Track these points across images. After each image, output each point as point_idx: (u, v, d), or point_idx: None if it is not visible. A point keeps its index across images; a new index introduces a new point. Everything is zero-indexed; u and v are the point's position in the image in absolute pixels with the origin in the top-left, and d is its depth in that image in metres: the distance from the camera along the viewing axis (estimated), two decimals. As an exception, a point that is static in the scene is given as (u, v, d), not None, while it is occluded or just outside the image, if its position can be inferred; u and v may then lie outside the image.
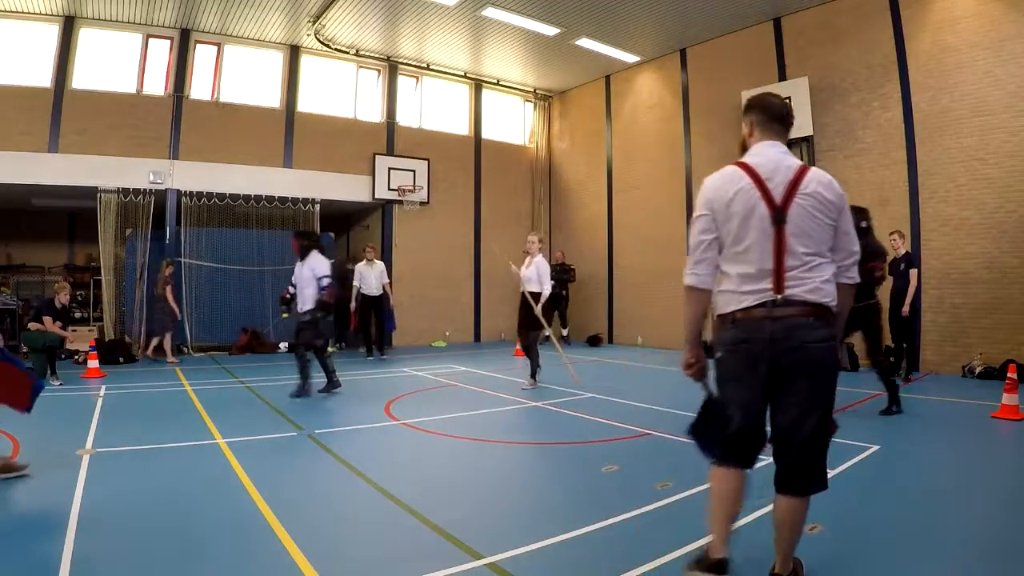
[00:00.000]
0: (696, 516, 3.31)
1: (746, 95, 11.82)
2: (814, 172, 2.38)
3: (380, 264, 10.76)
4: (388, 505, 3.54)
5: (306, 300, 7.04)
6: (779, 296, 2.28)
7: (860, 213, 6.02)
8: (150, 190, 10.97)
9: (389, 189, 13.08)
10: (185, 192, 11.30)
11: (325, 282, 6.98)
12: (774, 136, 2.46)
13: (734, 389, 2.37)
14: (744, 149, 2.53)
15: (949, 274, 8.68)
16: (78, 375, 8.42)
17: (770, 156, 2.39)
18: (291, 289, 7.27)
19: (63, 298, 8.07)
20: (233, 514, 3.38)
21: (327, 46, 12.18)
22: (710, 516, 2.45)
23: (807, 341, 2.26)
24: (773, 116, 2.47)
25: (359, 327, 11.02)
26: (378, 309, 10.83)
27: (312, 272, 7.00)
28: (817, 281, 2.29)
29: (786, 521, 2.36)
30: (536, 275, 7.53)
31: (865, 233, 5.97)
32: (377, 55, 12.98)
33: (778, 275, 2.28)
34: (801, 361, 2.27)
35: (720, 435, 2.38)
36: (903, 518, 3.27)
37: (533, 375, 7.62)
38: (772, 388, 2.32)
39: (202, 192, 11.45)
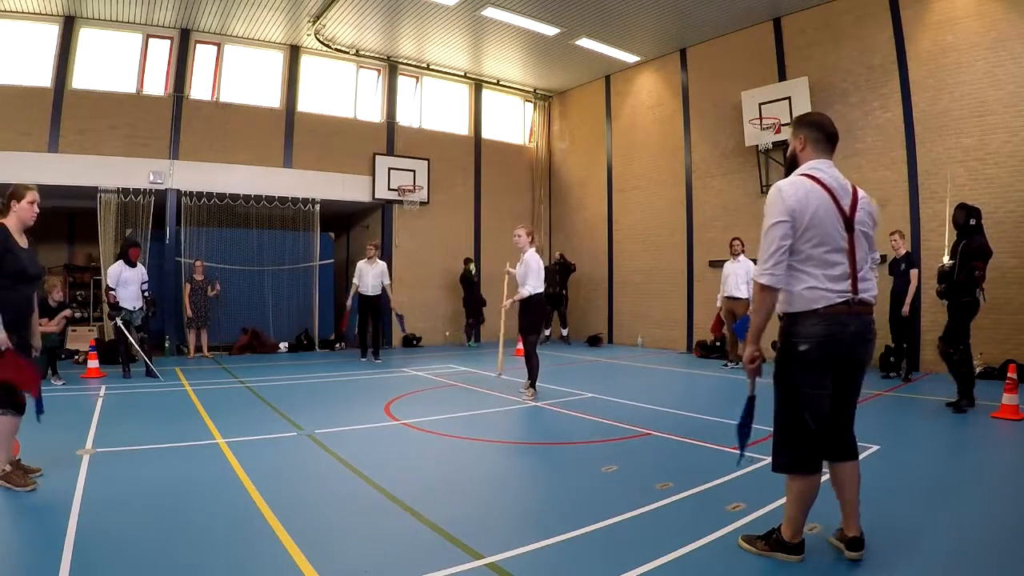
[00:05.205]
0: (696, 516, 3.32)
1: (746, 95, 11.84)
2: (860, 191, 2.71)
3: (381, 263, 10.37)
4: (388, 505, 3.54)
5: (136, 298, 8.39)
6: (856, 296, 2.57)
7: (971, 211, 5.99)
8: (150, 190, 10.98)
9: (389, 189, 13.09)
10: (185, 192, 11.31)
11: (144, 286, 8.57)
12: (827, 154, 2.70)
13: (819, 377, 2.60)
14: (794, 162, 2.76)
15: (949, 274, 8.67)
16: (78, 375, 8.42)
17: (832, 174, 2.64)
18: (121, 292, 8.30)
19: (56, 295, 8.00)
20: (233, 514, 3.38)
21: (327, 46, 12.19)
22: (791, 509, 2.71)
23: (873, 335, 2.68)
24: (826, 135, 2.70)
25: (360, 327, 10.79)
26: (376, 311, 10.44)
27: (141, 276, 8.47)
28: (873, 283, 2.67)
29: (852, 481, 2.74)
30: (523, 273, 6.85)
31: (974, 231, 5.93)
32: (377, 55, 12.99)
33: (854, 277, 2.58)
34: (869, 351, 2.68)
35: (804, 435, 2.62)
36: (902, 518, 3.27)
37: (532, 384, 6.96)
38: (841, 375, 2.63)
39: (202, 192, 11.46)
